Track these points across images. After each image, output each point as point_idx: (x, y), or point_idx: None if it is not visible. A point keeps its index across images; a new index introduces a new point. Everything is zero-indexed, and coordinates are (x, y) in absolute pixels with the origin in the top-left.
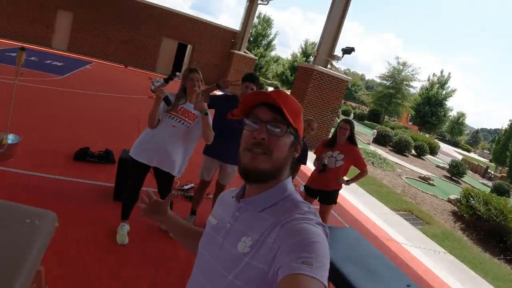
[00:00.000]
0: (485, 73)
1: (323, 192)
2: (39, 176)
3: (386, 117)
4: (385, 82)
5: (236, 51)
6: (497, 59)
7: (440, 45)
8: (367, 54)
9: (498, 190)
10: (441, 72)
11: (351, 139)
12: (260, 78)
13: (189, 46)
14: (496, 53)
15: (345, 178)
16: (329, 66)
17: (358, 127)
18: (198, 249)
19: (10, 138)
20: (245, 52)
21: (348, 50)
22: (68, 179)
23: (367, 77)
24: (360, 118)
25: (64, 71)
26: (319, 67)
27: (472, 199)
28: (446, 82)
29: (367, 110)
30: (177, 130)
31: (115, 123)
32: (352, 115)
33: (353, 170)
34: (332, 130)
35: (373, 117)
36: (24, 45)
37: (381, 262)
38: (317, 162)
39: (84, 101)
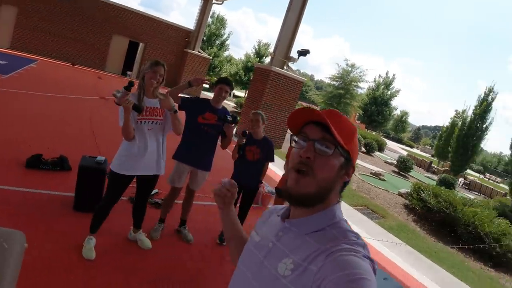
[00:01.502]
0: (427, 75)
1: None
2: None
3: None
4: (334, 83)
5: (190, 51)
6: (438, 63)
7: (385, 48)
8: (316, 56)
9: (444, 183)
10: (386, 73)
11: None
12: (214, 78)
13: (141, 44)
14: (437, 57)
15: None
16: (285, 67)
17: None
18: (237, 264)
19: None
20: (199, 51)
21: (303, 52)
22: (22, 190)
23: (316, 78)
24: None
25: (8, 70)
26: (276, 68)
27: (422, 193)
28: (391, 83)
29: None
30: (153, 131)
31: (67, 126)
32: None
33: None
34: (289, 130)
35: None
36: None
37: None
38: (286, 167)
39: (31, 103)
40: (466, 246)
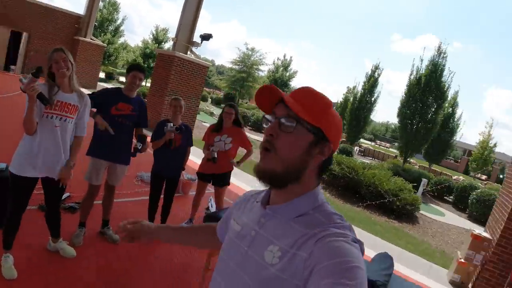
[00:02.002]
0: (320, 56)
1: (216, 175)
2: None
3: (240, 99)
4: (236, 67)
5: (81, 38)
6: (330, 45)
7: (281, 32)
8: (215, 41)
9: (343, 152)
10: (284, 56)
11: (237, 122)
12: (110, 67)
13: (24, 34)
14: (329, 40)
15: (235, 160)
16: (188, 52)
17: (217, 110)
18: (220, 256)
19: None
20: (91, 39)
21: (206, 37)
22: None
23: (217, 63)
24: (216, 102)
25: None
26: (180, 53)
27: None
28: (288, 65)
29: (222, 94)
30: (61, 129)
31: None
32: (209, 100)
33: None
34: (197, 116)
35: (229, 101)
36: None
37: None
38: (206, 150)
39: None
40: (373, 203)
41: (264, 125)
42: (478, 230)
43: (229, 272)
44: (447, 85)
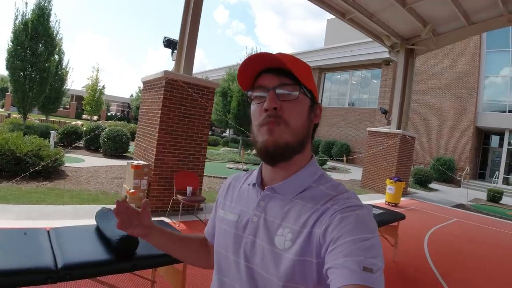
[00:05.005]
0: None
1: None
2: None
3: None
4: None
5: None
6: None
7: None
8: None
9: None
10: None
11: None
12: None
13: None
14: None
15: None
16: None
17: None
18: (219, 251)
19: None
20: None
21: None
22: None
23: None
24: None
25: None
26: None
27: None
28: None
29: None
30: None
31: None
32: None
33: None
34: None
35: None
36: None
37: None
38: None
39: None
40: (25, 174)
41: (252, 102)
42: (121, 162)
43: (237, 269)
44: (55, 32)
